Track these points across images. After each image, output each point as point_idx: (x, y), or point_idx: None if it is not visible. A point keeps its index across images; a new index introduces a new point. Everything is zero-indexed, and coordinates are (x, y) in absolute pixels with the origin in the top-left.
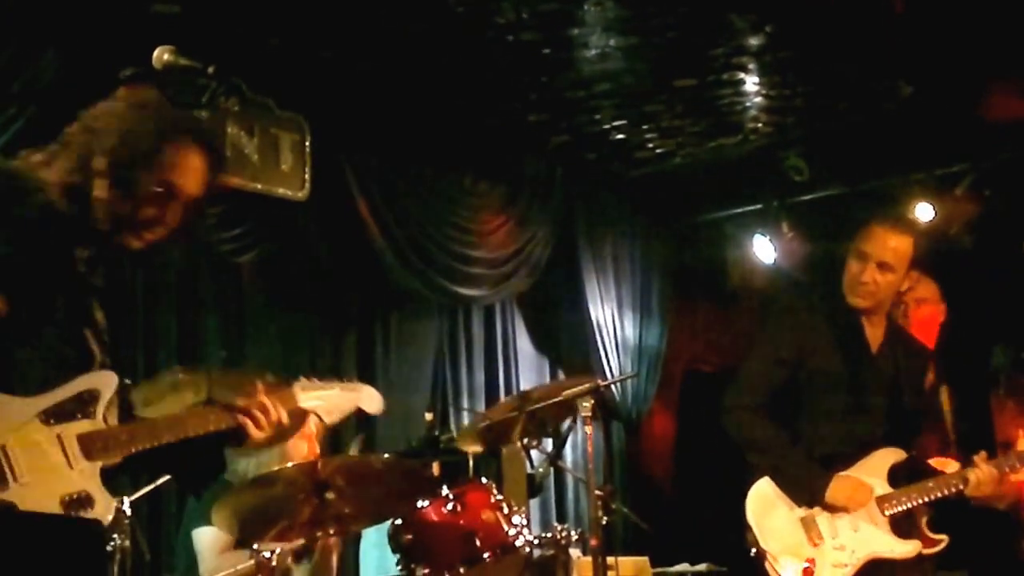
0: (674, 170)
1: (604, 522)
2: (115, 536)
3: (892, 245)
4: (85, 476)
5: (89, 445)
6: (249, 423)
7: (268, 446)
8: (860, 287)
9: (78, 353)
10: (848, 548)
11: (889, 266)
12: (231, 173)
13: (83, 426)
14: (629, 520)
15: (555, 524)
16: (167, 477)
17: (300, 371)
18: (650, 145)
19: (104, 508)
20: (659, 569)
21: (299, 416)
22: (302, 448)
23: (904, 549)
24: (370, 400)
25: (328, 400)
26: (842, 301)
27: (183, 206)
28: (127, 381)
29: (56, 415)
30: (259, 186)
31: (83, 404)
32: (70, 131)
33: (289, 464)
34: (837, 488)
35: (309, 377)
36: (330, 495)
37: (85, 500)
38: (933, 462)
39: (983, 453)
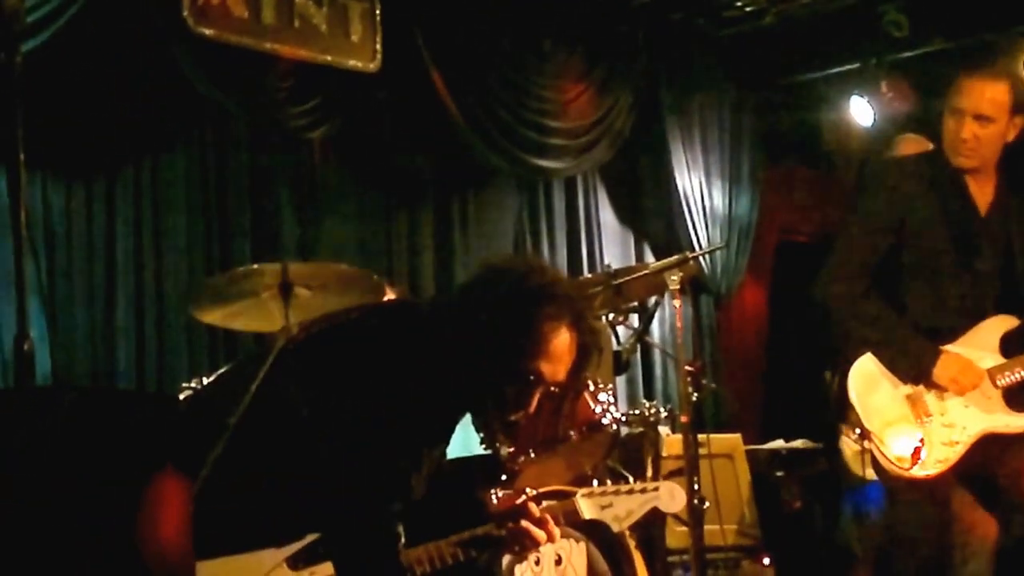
0: (765, 29)
1: (694, 398)
2: None
3: (988, 95)
4: None
5: None
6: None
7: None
8: (961, 145)
9: None
10: (959, 425)
11: (988, 117)
12: (299, 45)
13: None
14: (720, 396)
15: (643, 401)
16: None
17: (376, 249)
18: (739, 3)
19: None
20: (752, 446)
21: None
22: None
23: (1020, 423)
24: (670, 499)
25: (618, 505)
26: (945, 162)
27: None
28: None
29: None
30: (329, 58)
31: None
32: None
33: None
34: (945, 366)
35: (592, 484)
36: None
37: None
38: None
39: None
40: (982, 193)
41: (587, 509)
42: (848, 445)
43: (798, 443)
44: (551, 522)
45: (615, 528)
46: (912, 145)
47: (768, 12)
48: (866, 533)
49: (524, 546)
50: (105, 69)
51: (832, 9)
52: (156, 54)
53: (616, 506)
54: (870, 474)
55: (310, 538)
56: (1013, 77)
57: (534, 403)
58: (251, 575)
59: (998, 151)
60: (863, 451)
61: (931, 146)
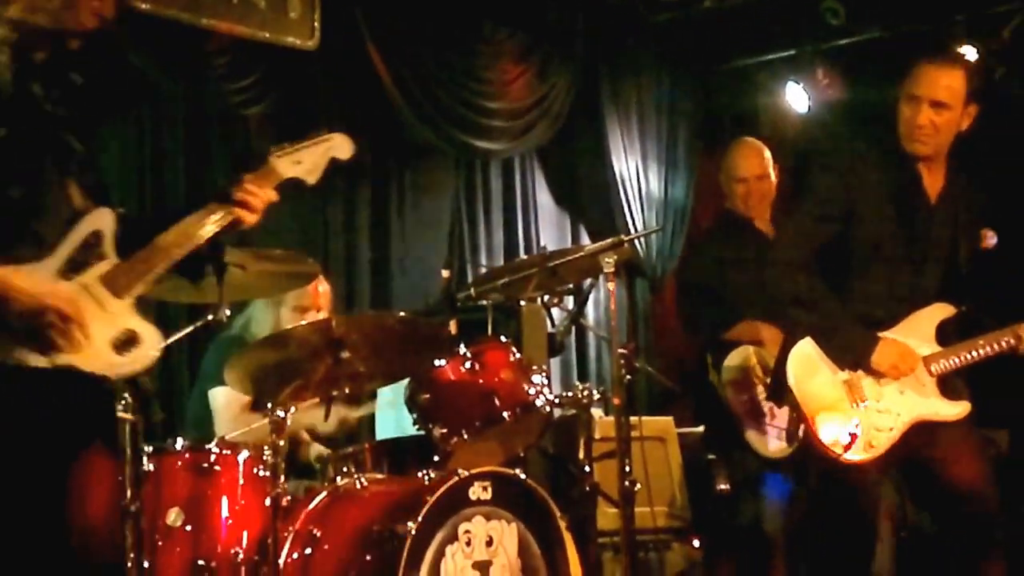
0: (702, 14)
1: (627, 381)
2: (125, 393)
3: (944, 83)
4: (122, 314)
5: (114, 284)
6: (243, 212)
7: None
8: (917, 131)
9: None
10: (893, 411)
11: (944, 104)
12: (237, 21)
13: (101, 268)
14: (653, 379)
15: (576, 383)
16: (178, 335)
17: (313, 230)
18: None
19: (151, 340)
20: (684, 429)
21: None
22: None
23: (952, 411)
24: (342, 147)
25: (305, 161)
26: (897, 149)
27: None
28: (122, 211)
29: (72, 268)
30: (267, 35)
31: (92, 248)
32: None
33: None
34: (883, 353)
35: (279, 146)
36: (345, 354)
37: (132, 338)
38: None
39: None
40: (933, 181)
41: (282, 168)
42: (754, 434)
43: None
44: (260, 192)
45: (310, 181)
46: (747, 149)
47: None
48: (777, 516)
49: (251, 206)
50: (40, 42)
51: None
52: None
53: (304, 161)
54: (777, 451)
55: (70, 246)
56: (969, 65)
57: None
58: None
59: (952, 139)
60: (767, 430)
61: (766, 151)
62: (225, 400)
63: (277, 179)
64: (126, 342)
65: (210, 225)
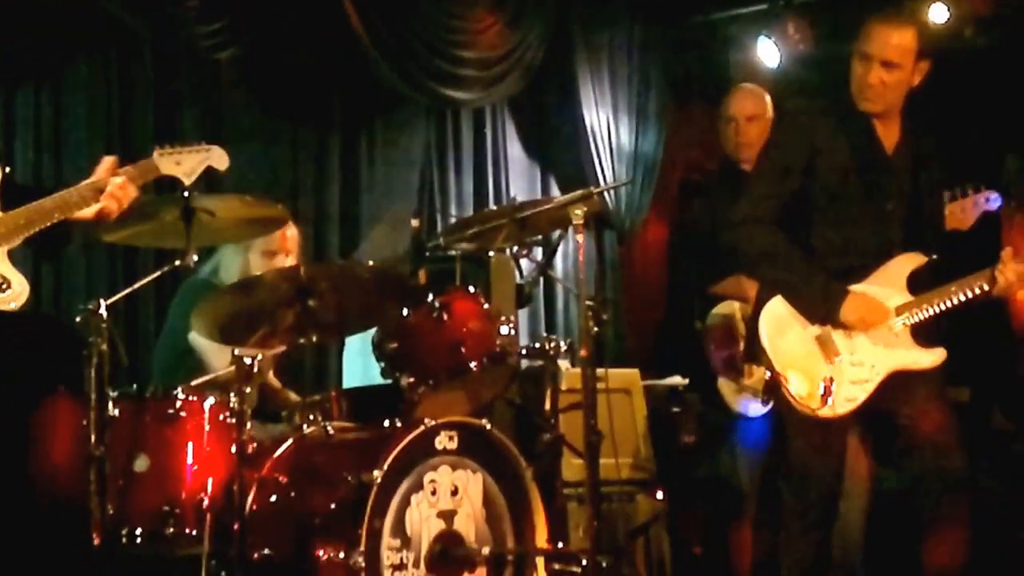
0: None
1: (594, 333)
2: (91, 339)
3: (895, 41)
4: None
5: None
6: (110, 207)
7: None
8: (868, 90)
9: None
10: (868, 363)
11: (894, 63)
12: None
13: None
14: (620, 331)
15: (544, 335)
16: (144, 280)
17: (283, 180)
18: None
19: (20, 287)
20: (649, 382)
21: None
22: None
23: (929, 359)
24: (219, 158)
25: (185, 163)
26: (853, 105)
27: None
28: (7, 169)
29: None
30: None
31: None
32: None
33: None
34: (851, 306)
35: (163, 145)
36: (313, 302)
37: (2, 283)
38: None
39: (1009, 249)
40: (888, 135)
41: (163, 165)
42: (727, 385)
43: (688, 381)
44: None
45: (187, 182)
46: (749, 105)
47: None
48: (744, 471)
49: (119, 202)
50: None
51: None
52: None
53: (183, 164)
54: (752, 411)
55: None
56: (920, 23)
57: None
58: None
59: (903, 95)
60: (742, 389)
61: (769, 106)
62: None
63: (156, 174)
64: None
65: (90, 202)
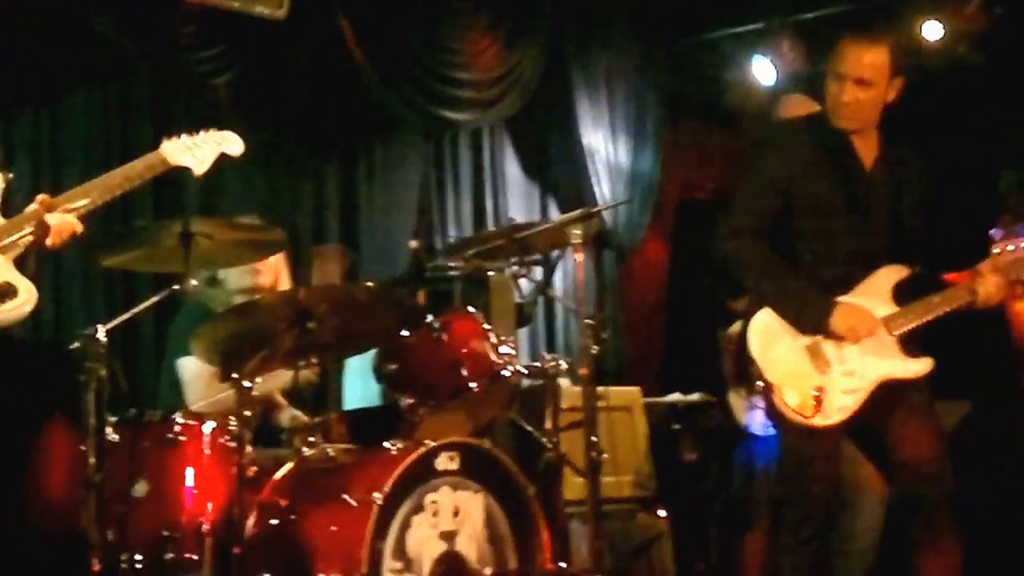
0: None
1: (594, 352)
2: (90, 364)
3: (867, 60)
4: (1, 268)
5: None
6: (49, 237)
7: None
8: (843, 108)
9: None
10: (858, 373)
11: (867, 81)
12: None
13: None
14: (619, 350)
15: (544, 354)
16: (143, 305)
17: (282, 203)
18: None
19: (27, 293)
20: (650, 399)
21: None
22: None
23: (916, 367)
24: (233, 143)
25: (196, 153)
26: (829, 123)
27: None
28: (11, 176)
29: None
30: (236, 4)
31: None
32: None
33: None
34: (841, 315)
35: (170, 136)
36: (312, 324)
37: (8, 290)
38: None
39: (987, 263)
40: (867, 150)
41: (172, 156)
42: (736, 399)
43: (695, 396)
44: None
45: (198, 171)
46: (798, 105)
47: None
48: (761, 485)
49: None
50: (4, 9)
51: None
52: None
53: (195, 152)
54: (758, 427)
55: None
56: (891, 41)
57: None
58: None
59: (879, 112)
60: (752, 405)
61: (817, 106)
62: (195, 369)
63: (164, 167)
64: (2, 293)
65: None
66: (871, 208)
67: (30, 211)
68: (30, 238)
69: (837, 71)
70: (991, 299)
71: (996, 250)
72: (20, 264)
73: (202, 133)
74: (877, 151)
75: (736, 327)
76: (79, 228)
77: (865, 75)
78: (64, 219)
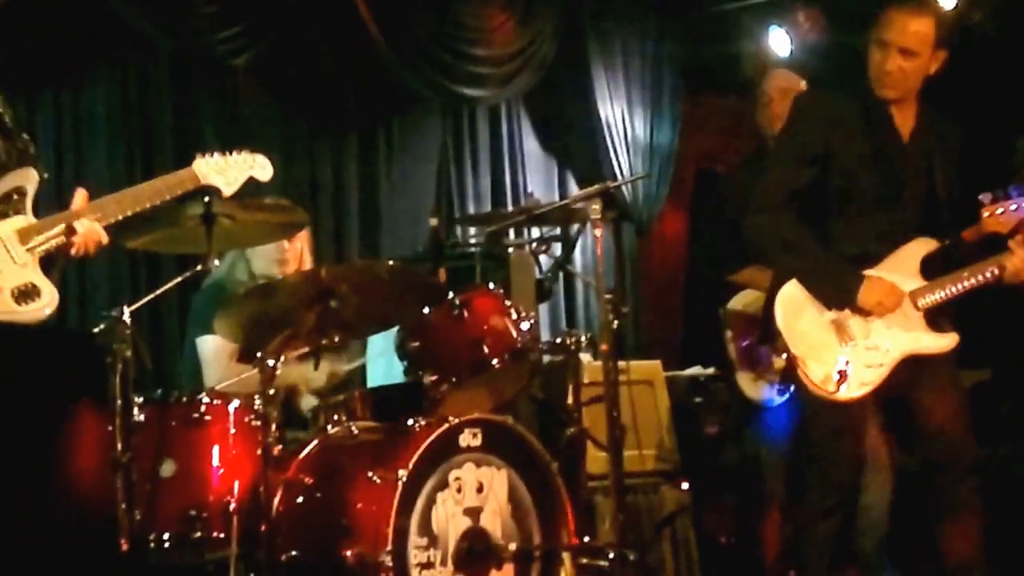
0: None
1: (614, 326)
2: (115, 345)
3: (912, 29)
4: (28, 268)
5: (27, 238)
6: (77, 245)
7: None
8: (886, 77)
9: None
10: (882, 347)
11: (912, 51)
12: None
13: (17, 222)
14: (640, 324)
15: (564, 329)
16: (167, 286)
17: (301, 181)
18: None
19: (50, 295)
20: (671, 373)
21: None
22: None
23: (942, 343)
24: (262, 169)
25: (227, 174)
26: (869, 93)
27: None
28: (46, 175)
29: None
30: None
31: (12, 203)
32: None
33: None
34: (869, 290)
35: (203, 154)
36: (334, 303)
37: (33, 291)
38: None
39: (1019, 237)
40: (905, 122)
41: (204, 175)
42: (743, 375)
43: (715, 369)
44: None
45: (226, 192)
46: (781, 79)
47: None
48: (772, 459)
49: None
50: None
51: None
52: None
53: (226, 173)
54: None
55: None
56: (938, 12)
57: None
58: None
59: (920, 83)
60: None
61: (801, 82)
62: (214, 348)
63: (194, 184)
64: (26, 293)
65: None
66: (907, 181)
67: (61, 215)
68: (57, 241)
69: (882, 39)
70: (1020, 274)
71: (986, 213)
72: (46, 266)
73: (234, 154)
74: (915, 123)
75: (736, 302)
76: (105, 239)
77: (910, 44)
78: (92, 227)
